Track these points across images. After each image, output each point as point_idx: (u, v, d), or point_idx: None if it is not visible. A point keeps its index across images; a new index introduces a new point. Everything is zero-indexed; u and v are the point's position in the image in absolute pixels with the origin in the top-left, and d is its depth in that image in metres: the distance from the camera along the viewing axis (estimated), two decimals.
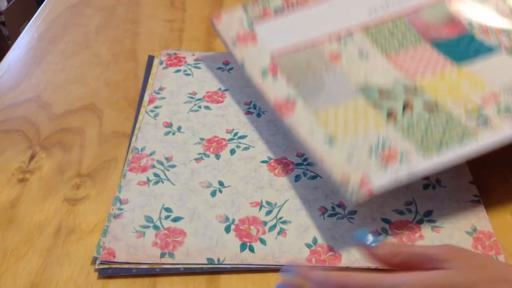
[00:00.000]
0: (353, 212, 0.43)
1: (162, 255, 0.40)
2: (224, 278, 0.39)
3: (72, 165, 0.49)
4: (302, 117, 0.47)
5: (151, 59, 0.64)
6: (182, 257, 0.40)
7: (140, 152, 0.50)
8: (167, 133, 0.52)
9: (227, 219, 0.43)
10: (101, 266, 0.39)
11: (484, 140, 0.41)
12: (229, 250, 0.40)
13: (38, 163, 0.49)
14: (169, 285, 0.38)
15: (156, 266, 0.39)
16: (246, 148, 0.50)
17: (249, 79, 0.54)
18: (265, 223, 0.43)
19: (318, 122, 0.46)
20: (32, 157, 0.49)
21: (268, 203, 0.44)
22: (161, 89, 0.58)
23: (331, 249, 0.41)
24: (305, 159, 0.49)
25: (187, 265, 0.39)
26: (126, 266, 0.39)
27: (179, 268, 0.39)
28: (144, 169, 0.48)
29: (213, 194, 0.45)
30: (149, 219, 0.43)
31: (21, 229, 0.42)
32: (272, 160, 0.48)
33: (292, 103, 0.49)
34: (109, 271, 0.39)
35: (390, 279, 0.31)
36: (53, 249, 0.41)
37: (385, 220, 0.43)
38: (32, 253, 0.40)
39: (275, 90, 0.51)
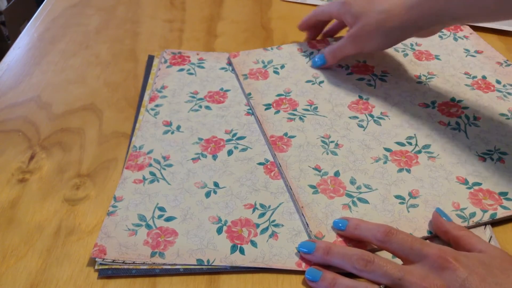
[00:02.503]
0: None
1: (153, 254, 0.40)
2: (224, 278, 0.39)
3: (72, 165, 0.49)
4: (293, 156, 0.49)
5: (151, 59, 0.64)
6: (172, 257, 0.40)
7: (138, 150, 0.50)
8: (166, 132, 0.52)
9: (219, 220, 0.43)
10: (101, 267, 0.39)
11: None
12: (219, 252, 0.40)
13: (38, 163, 0.49)
14: (169, 285, 0.38)
15: (155, 267, 0.39)
16: (243, 150, 0.50)
17: (253, 110, 0.55)
18: (258, 225, 0.42)
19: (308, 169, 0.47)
20: (32, 157, 0.49)
21: (262, 205, 0.44)
22: (163, 87, 0.58)
23: None
24: None
25: (187, 266, 0.39)
26: (126, 266, 0.39)
27: (178, 268, 0.39)
28: (140, 167, 0.48)
29: (208, 195, 0.45)
30: (142, 217, 0.43)
31: (21, 230, 0.42)
32: (268, 163, 0.48)
33: (288, 140, 0.50)
34: (109, 272, 0.39)
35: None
36: (53, 250, 0.41)
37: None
38: (32, 254, 0.40)
39: (274, 124, 0.52)
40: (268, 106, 0.55)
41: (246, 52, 0.63)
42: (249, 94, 0.57)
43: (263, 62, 0.62)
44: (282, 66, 0.61)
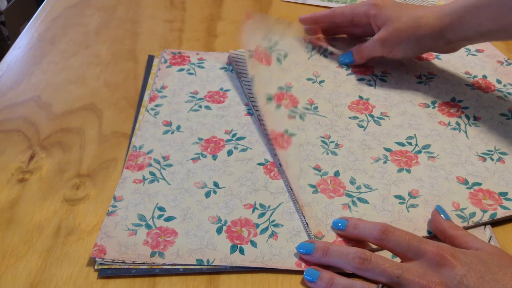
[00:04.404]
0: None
1: (152, 254, 0.40)
2: (223, 278, 0.39)
3: (71, 165, 0.49)
4: (294, 155, 0.49)
5: (151, 59, 0.64)
6: (172, 257, 0.40)
7: (138, 150, 0.50)
8: (166, 132, 0.52)
9: (219, 220, 0.43)
10: (100, 267, 0.39)
11: None
12: (219, 252, 0.40)
13: (37, 163, 0.49)
14: (169, 285, 0.38)
15: (155, 267, 0.39)
16: (243, 150, 0.50)
17: (254, 98, 0.55)
18: (257, 225, 0.42)
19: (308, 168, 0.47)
20: (31, 157, 0.49)
21: (262, 205, 0.44)
22: (163, 87, 0.58)
23: None
24: None
25: (186, 266, 0.39)
26: (126, 266, 0.39)
27: (178, 268, 0.39)
28: (140, 167, 0.48)
29: (207, 194, 0.45)
30: (142, 217, 0.43)
31: (21, 229, 0.42)
32: (268, 163, 0.48)
33: (288, 138, 0.50)
34: (108, 272, 0.39)
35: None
36: (53, 249, 0.41)
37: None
38: (32, 253, 0.40)
39: (275, 120, 0.52)
40: (269, 98, 0.54)
41: (261, 17, 0.61)
42: (253, 78, 0.56)
43: (269, 40, 0.60)
44: (286, 55, 0.61)
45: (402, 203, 0.44)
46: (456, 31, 0.51)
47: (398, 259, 0.39)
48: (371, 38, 0.57)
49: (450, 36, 0.52)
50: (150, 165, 0.48)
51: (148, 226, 0.42)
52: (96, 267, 0.39)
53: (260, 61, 0.58)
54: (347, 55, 0.60)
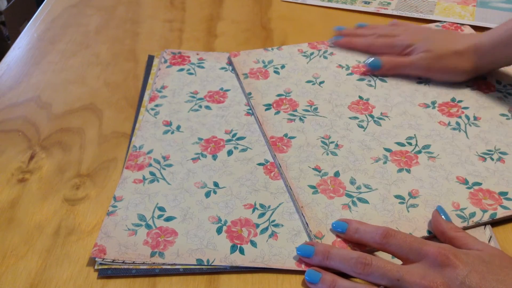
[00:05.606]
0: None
1: (152, 254, 0.40)
2: (223, 278, 0.39)
3: (71, 165, 0.49)
4: (293, 156, 0.49)
5: (151, 59, 0.64)
6: (172, 257, 0.40)
7: (138, 150, 0.50)
8: (166, 132, 0.52)
9: (219, 220, 0.43)
10: (100, 267, 0.39)
11: None
12: (219, 252, 0.40)
13: (37, 163, 0.49)
14: (169, 285, 0.38)
15: (155, 267, 0.39)
16: (243, 150, 0.50)
17: (253, 110, 0.55)
18: (257, 225, 0.42)
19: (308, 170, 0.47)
20: (31, 157, 0.49)
21: (262, 205, 0.44)
22: (163, 87, 0.58)
23: None
24: None
25: (187, 266, 0.39)
26: (126, 266, 0.39)
27: (178, 268, 0.39)
28: (140, 167, 0.48)
29: (207, 194, 0.45)
30: (142, 217, 0.43)
31: (21, 229, 0.42)
32: (268, 163, 0.48)
33: (288, 141, 0.50)
34: (108, 272, 0.39)
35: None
36: (53, 249, 0.41)
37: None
38: (32, 253, 0.40)
39: (274, 125, 0.52)
40: (268, 107, 0.55)
41: (247, 52, 0.63)
42: (249, 93, 0.57)
43: (263, 62, 0.62)
44: (283, 66, 0.61)
45: (402, 203, 0.44)
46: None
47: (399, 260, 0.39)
48: (408, 57, 0.59)
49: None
50: (150, 165, 0.48)
51: (148, 226, 0.42)
52: (96, 267, 0.39)
53: (257, 78, 0.59)
54: (376, 61, 0.60)
